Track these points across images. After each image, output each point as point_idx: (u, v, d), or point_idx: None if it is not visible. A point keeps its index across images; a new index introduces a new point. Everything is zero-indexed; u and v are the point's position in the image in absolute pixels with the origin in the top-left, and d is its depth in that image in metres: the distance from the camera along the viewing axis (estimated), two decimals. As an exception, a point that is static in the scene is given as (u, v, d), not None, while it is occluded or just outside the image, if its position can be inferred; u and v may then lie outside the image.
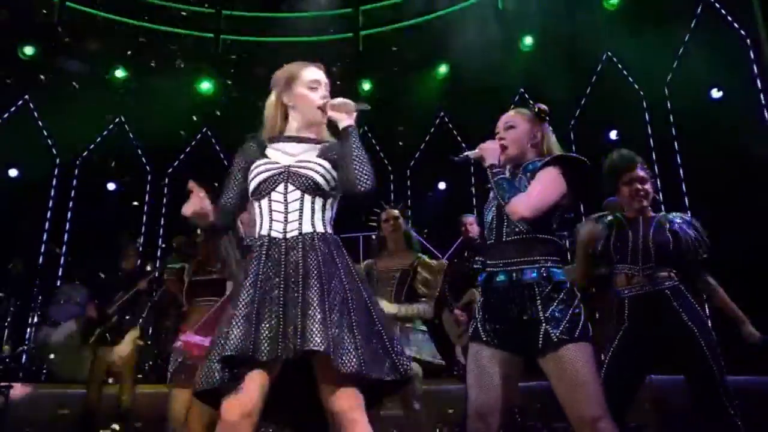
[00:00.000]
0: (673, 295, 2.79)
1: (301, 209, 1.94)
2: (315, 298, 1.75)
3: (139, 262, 5.37)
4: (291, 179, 1.96)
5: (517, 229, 2.21)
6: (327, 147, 2.07)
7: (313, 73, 2.12)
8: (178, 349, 3.01)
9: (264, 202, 1.97)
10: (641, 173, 2.95)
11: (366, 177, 1.93)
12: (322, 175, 1.99)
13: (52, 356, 6.26)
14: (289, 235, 1.91)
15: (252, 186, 1.99)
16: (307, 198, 1.96)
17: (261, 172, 1.98)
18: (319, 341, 1.67)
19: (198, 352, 2.72)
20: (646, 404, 4.46)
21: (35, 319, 7.26)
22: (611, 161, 3.03)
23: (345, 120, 2.03)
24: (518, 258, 2.19)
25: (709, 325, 2.86)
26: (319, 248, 1.89)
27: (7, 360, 6.51)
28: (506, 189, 2.19)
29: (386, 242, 3.74)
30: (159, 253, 8.54)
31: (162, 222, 9.10)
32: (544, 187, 2.16)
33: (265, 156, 2.04)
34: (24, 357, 7.13)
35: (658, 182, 7.52)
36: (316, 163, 2.00)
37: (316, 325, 1.69)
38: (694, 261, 2.92)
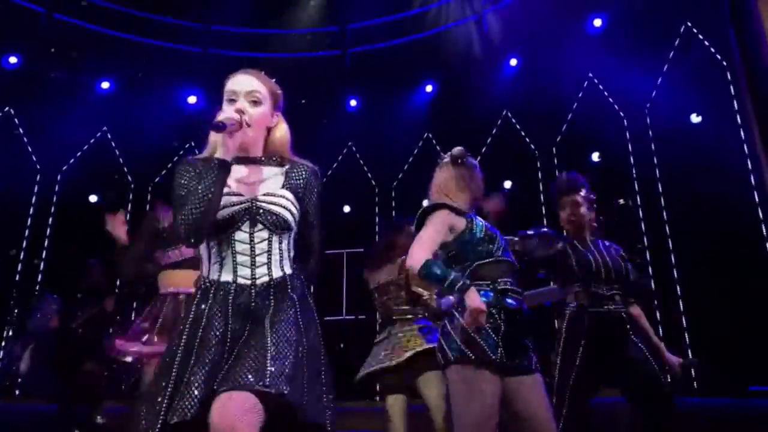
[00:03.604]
0: (627, 319, 2.89)
1: (269, 251, 1.71)
2: (289, 351, 1.59)
3: (102, 278, 5.31)
4: (259, 216, 1.71)
5: (514, 263, 2.41)
6: (291, 174, 1.84)
7: (233, 82, 1.82)
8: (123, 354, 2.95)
9: (224, 242, 1.69)
10: (578, 199, 3.02)
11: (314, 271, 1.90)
12: (290, 212, 1.76)
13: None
14: (258, 281, 1.69)
15: None
16: (275, 238, 1.73)
17: (222, 206, 1.68)
18: (286, 387, 1.53)
19: (131, 358, 2.73)
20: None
21: (10, 333, 7.12)
22: (557, 183, 3.13)
23: None
24: (519, 288, 2.39)
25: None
26: (292, 295, 1.72)
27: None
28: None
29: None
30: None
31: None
32: None
33: None
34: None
35: (638, 200, 7.71)
36: (282, 196, 1.76)
37: (288, 376, 1.55)
38: (629, 289, 3.02)
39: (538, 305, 3.32)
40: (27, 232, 8.58)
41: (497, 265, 2.35)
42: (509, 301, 2.29)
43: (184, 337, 1.63)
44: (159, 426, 1.50)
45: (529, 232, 3.04)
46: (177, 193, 1.71)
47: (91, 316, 4.93)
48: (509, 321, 2.26)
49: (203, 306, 1.66)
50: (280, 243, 1.74)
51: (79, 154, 8.89)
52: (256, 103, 1.80)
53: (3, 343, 7.31)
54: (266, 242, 1.71)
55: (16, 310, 7.23)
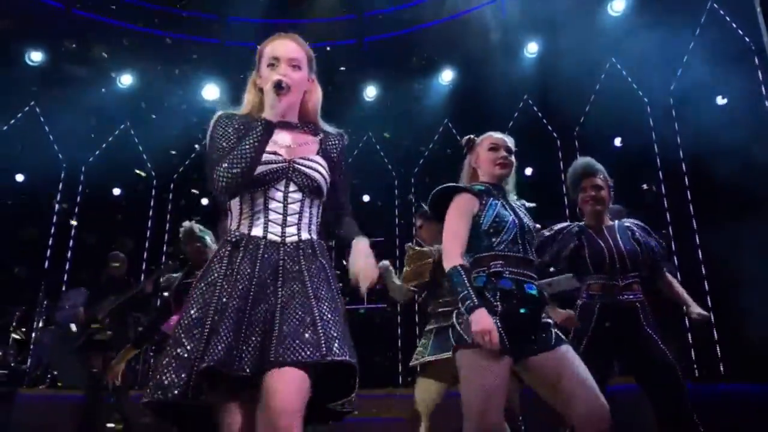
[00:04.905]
0: (641, 308, 2.88)
1: (300, 212, 1.76)
2: (326, 309, 1.65)
3: (126, 268, 5.40)
4: (294, 177, 1.76)
5: (532, 251, 2.44)
6: (326, 142, 1.90)
7: (276, 47, 1.86)
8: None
9: (259, 198, 1.74)
10: (599, 182, 3.06)
11: None
12: (324, 177, 1.82)
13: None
14: (287, 240, 1.73)
15: None
16: (307, 201, 1.78)
17: (261, 163, 1.73)
18: (345, 352, 1.60)
19: None
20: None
21: (40, 324, 7.29)
22: (574, 168, 3.18)
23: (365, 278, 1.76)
24: (535, 274, 2.42)
25: None
26: (320, 257, 1.76)
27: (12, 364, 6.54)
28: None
29: None
30: (163, 258, 8.58)
31: (167, 227, 9.13)
32: None
33: None
34: (29, 361, 7.14)
35: (662, 185, 7.59)
36: (318, 162, 1.82)
37: (339, 339, 1.60)
38: (656, 265, 3.03)
39: (559, 294, 3.29)
40: (53, 227, 8.74)
41: (496, 257, 2.34)
42: (504, 282, 2.28)
43: (217, 290, 1.64)
44: (192, 377, 1.53)
45: (545, 233, 3.06)
46: (215, 146, 1.76)
47: (117, 306, 5.01)
48: (508, 302, 2.26)
49: (234, 260, 1.69)
50: (311, 207, 1.79)
51: (102, 148, 9.01)
52: (296, 68, 1.84)
53: (33, 335, 7.48)
54: (299, 204, 1.76)
55: (45, 302, 7.40)
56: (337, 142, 1.92)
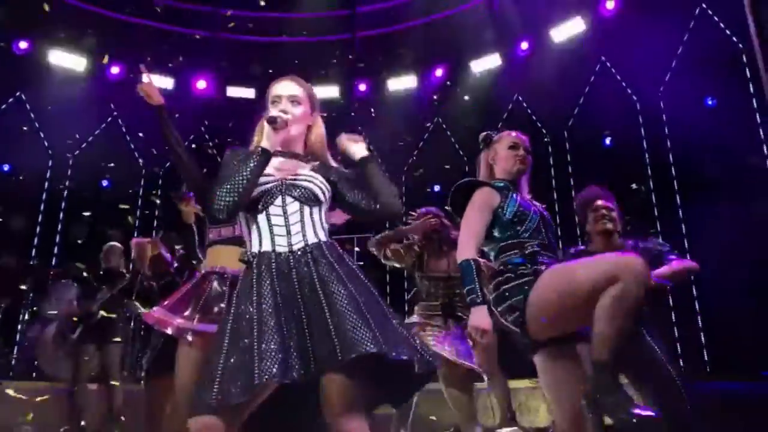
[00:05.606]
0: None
1: (302, 220, 1.91)
2: (344, 304, 1.72)
3: (122, 260, 5.35)
4: (288, 191, 1.92)
5: (554, 241, 2.48)
6: (323, 167, 2.04)
7: (277, 87, 2.08)
8: (152, 327, 2.84)
9: (261, 217, 1.91)
10: (608, 203, 3.14)
11: (397, 202, 2.00)
12: (319, 187, 1.96)
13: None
14: (295, 248, 1.87)
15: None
16: (306, 209, 1.92)
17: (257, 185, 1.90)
18: (370, 343, 1.63)
19: (172, 331, 2.63)
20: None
21: (26, 316, 7.22)
22: (581, 195, 3.28)
23: (359, 151, 2.03)
24: (551, 252, 2.43)
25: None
26: (329, 256, 1.86)
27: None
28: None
29: None
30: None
31: (156, 214, 9.09)
32: None
33: None
34: (15, 354, 7.08)
35: (651, 185, 7.65)
36: (310, 175, 1.98)
37: (360, 330, 1.65)
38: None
39: None
40: (40, 217, 8.66)
41: (524, 243, 2.37)
42: (541, 258, 2.31)
43: (242, 307, 1.76)
44: (253, 386, 1.60)
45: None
46: (219, 174, 1.93)
47: (110, 298, 4.97)
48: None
49: (251, 279, 1.82)
50: (312, 214, 1.93)
51: (90, 139, 8.92)
52: (295, 103, 2.04)
53: (19, 327, 7.41)
54: (298, 212, 1.91)
55: (30, 295, 7.33)
56: (330, 168, 2.06)
